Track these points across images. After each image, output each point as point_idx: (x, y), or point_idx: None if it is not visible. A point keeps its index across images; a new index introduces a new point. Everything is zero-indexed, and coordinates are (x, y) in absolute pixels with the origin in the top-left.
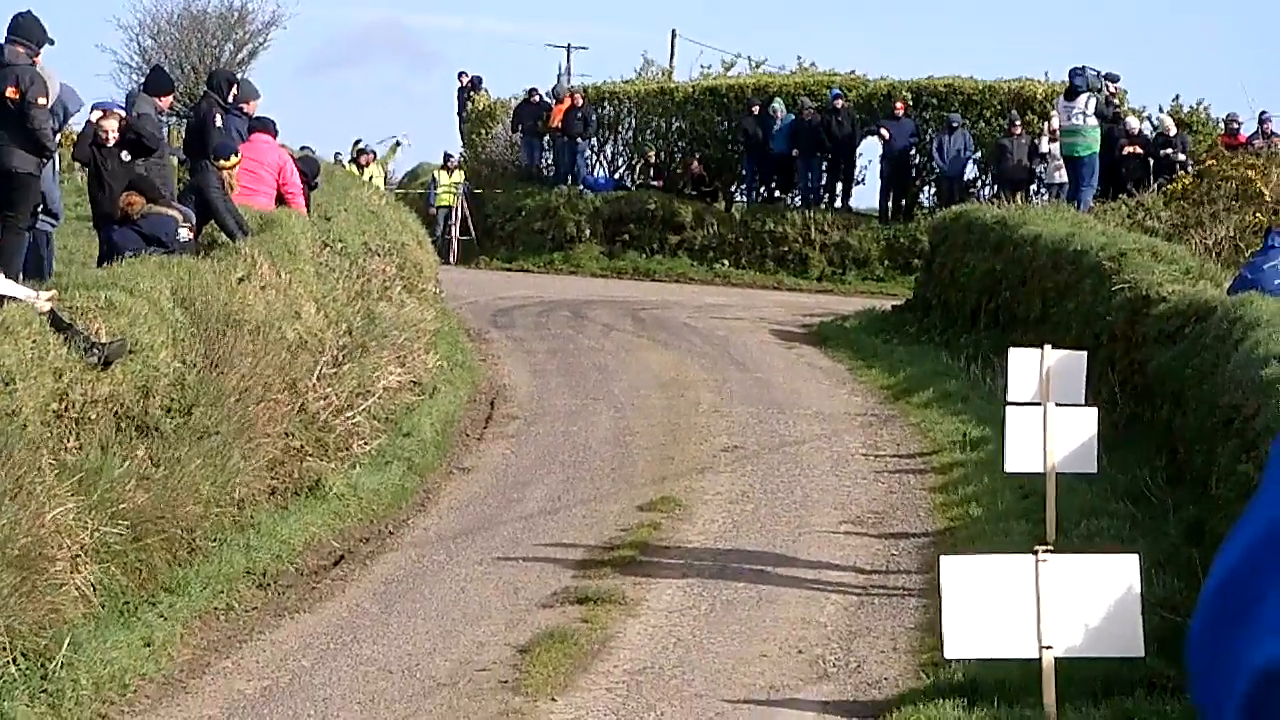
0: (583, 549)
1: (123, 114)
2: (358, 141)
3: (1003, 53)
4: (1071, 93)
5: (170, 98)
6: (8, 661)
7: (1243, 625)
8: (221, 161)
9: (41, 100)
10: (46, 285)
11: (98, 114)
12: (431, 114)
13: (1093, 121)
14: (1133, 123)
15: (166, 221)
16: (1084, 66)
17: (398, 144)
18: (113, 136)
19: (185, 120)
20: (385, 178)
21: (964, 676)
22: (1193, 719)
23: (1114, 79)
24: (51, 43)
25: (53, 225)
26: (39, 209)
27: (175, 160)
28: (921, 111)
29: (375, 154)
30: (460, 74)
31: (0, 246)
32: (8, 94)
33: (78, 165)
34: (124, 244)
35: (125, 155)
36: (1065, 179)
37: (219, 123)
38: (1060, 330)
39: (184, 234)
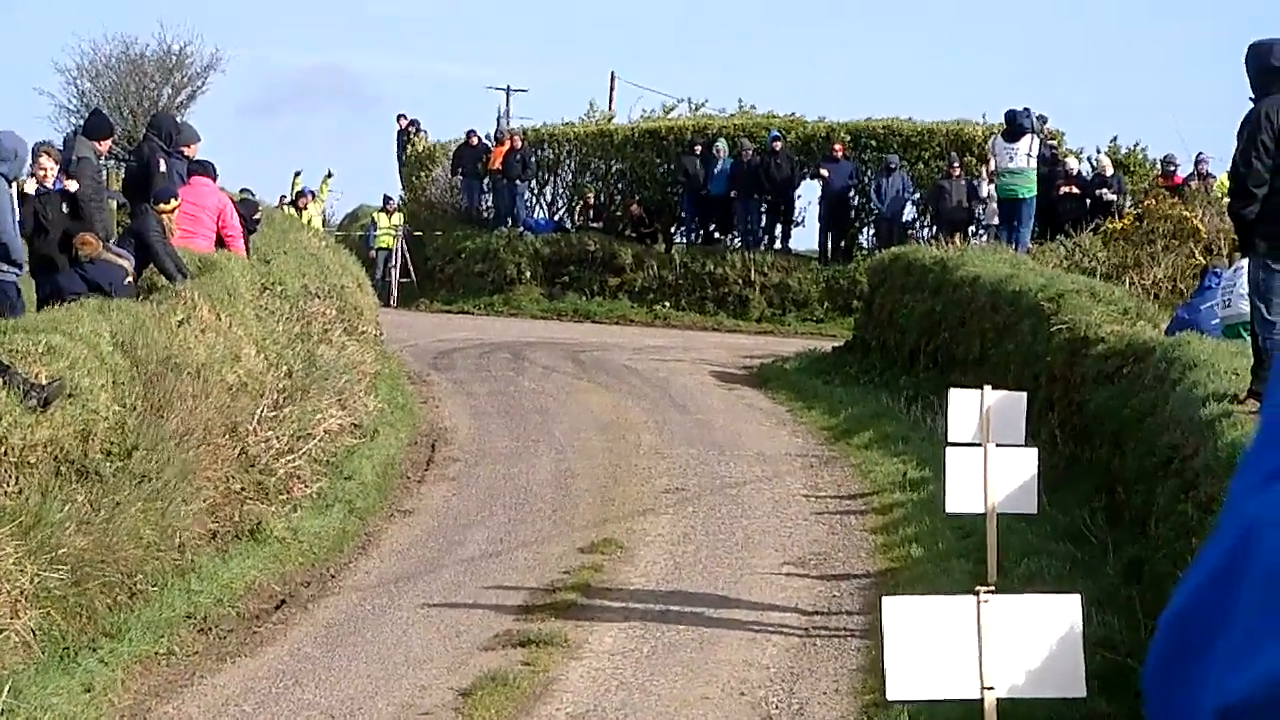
0: (524, 591)
1: (59, 152)
2: (298, 173)
3: (940, 95)
4: (1013, 134)
5: (109, 141)
6: None
7: (1201, 658)
8: (162, 205)
9: None
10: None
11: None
12: (371, 156)
13: (1033, 164)
14: (1072, 163)
15: (114, 271)
16: (1026, 108)
17: (329, 175)
18: (50, 175)
19: (125, 163)
20: (324, 220)
21: (907, 718)
22: None
23: (1043, 120)
24: None
25: (16, 274)
26: None
27: (114, 204)
28: (860, 153)
29: (314, 195)
30: (399, 116)
31: None
32: None
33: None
34: (68, 287)
35: (64, 205)
36: (998, 221)
37: (163, 167)
38: (999, 371)
39: (128, 281)
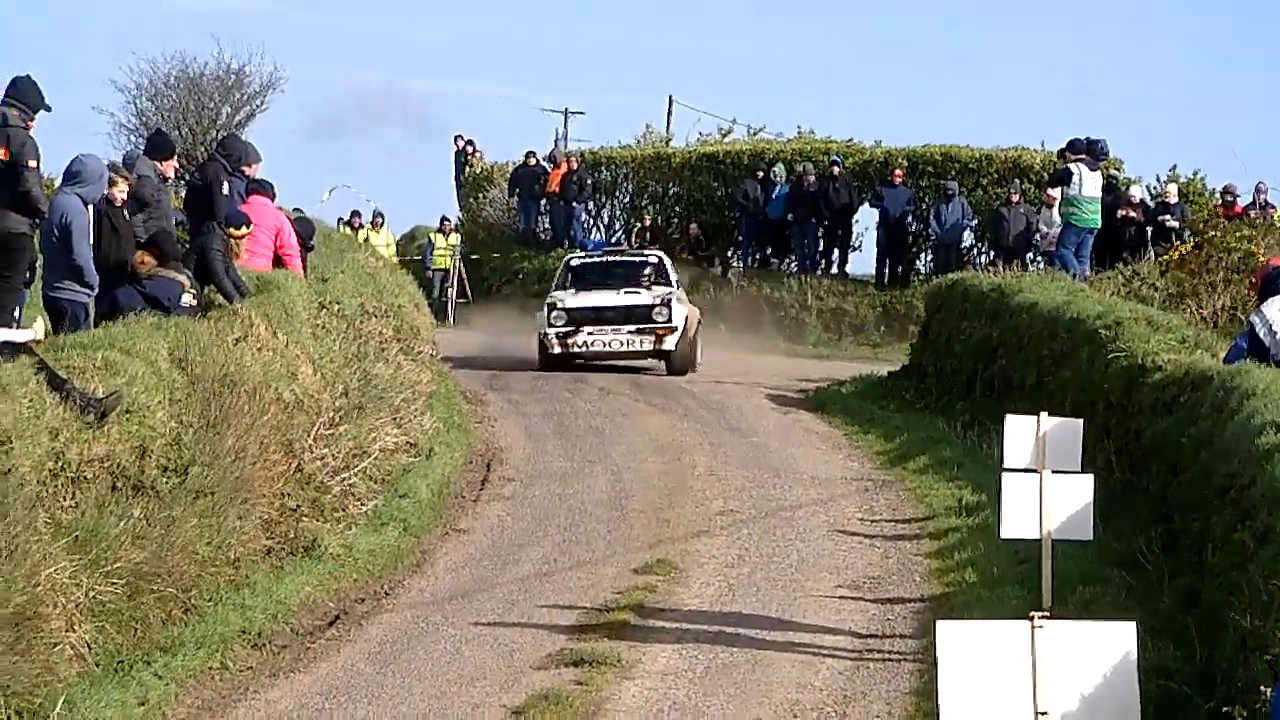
0: (578, 611)
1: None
2: (331, 190)
3: (999, 121)
4: (1091, 163)
5: (173, 162)
6: (4, 716)
7: None
8: (233, 230)
9: (32, 163)
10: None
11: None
12: (429, 178)
13: (1095, 193)
14: (1135, 191)
15: (171, 285)
16: (1085, 140)
17: (331, 190)
18: (120, 197)
19: (187, 183)
20: (397, 248)
21: None
22: None
23: (1097, 143)
24: (48, 109)
25: (88, 295)
26: (33, 266)
27: (175, 222)
28: (918, 179)
29: (376, 220)
30: (456, 137)
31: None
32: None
33: None
34: (128, 303)
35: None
36: (1060, 246)
37: (226, 189)
38: (1056, 398)
39: (187, 299)
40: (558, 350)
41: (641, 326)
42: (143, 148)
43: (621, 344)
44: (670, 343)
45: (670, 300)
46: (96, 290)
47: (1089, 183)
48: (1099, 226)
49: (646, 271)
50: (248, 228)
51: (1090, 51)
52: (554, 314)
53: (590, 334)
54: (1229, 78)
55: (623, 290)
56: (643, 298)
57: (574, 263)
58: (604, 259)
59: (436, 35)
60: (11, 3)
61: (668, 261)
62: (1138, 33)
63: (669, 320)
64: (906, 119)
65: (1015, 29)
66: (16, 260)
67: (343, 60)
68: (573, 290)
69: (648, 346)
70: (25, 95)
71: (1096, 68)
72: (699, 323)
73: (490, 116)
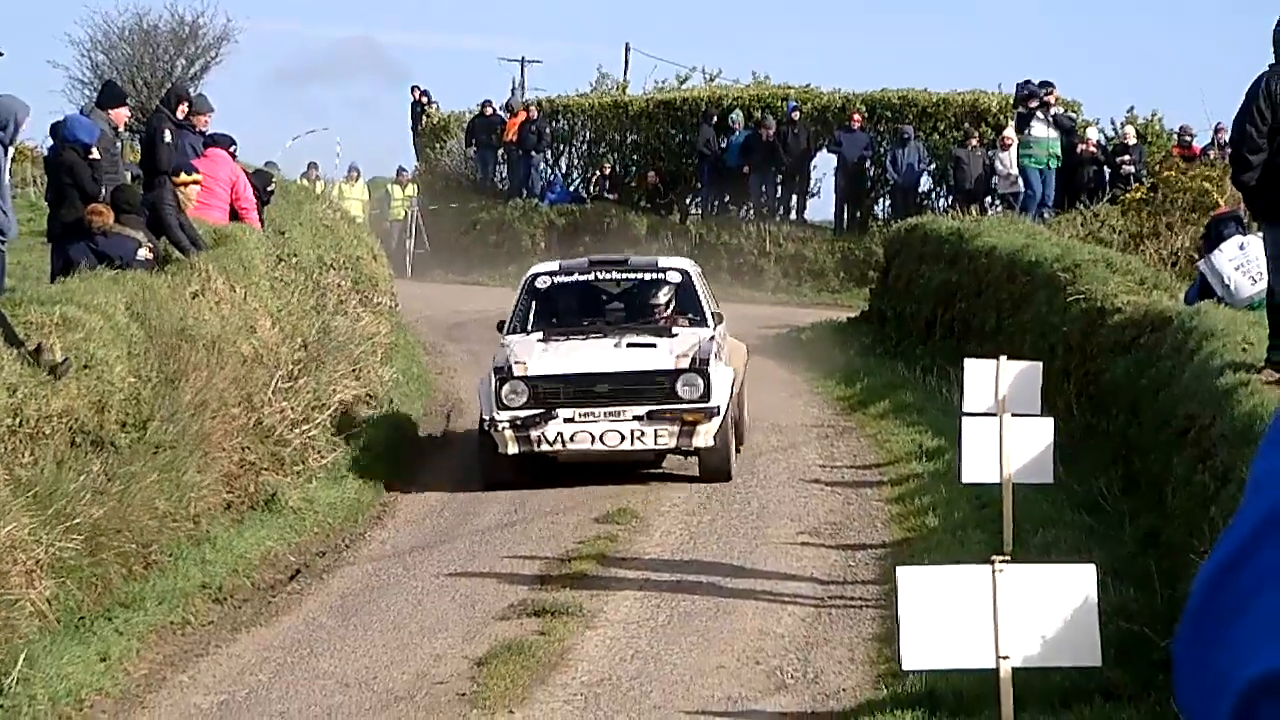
0: (540, 561)
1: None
2: (295, 138)
3: (956, 65)
4: (1027, 103)
5: (124, 110)
6: None
7: (1235, 624)
8: (181, 177)
9: None
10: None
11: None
12: (393, 129)
13: (1052, 133)
14: (1092, 134)
15: (125, 242)
16: (1033, 83)
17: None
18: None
19: (138, 136)
20: (370, 213)
21: (922, 687)
22: None
23: (1050, 86)
24: (0, 54)
25: (2, 241)
26: None
27: (130, 176)
28: (876, 124)
29: (358, 172)
30: (413, 88)
31: None
32: None
33: (36, 180)
34: (77, 258)
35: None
36: (1021, 189)
37: (168, 138)
38: (1015, 341)
39: (143, 254)
40: (514, 450)
41: (657, 408)
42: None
43: (622, 438)
44: (705, 435)
45: (709, 360)
46: (14, 236)
47: (1038, 125)
48: (1058, 165)
49: (663, 298)
50: (195, 173)
51: None
52: (508, 388)
53: (570, 421)
54: (1188, 16)
55: (625, 340)
56: (659, 355)
57: (541, 283)
58: (592, 276)
59: None
60: None
61: (697, 276)
62: None
63: (705, 396)
64: (864, 63)
65: None
66: None
67: (314, 13)
68: (538, 336)
69: (668, 442)
70: None
71: (1056, 7)
72: (744, 372)
73: (453, 68)
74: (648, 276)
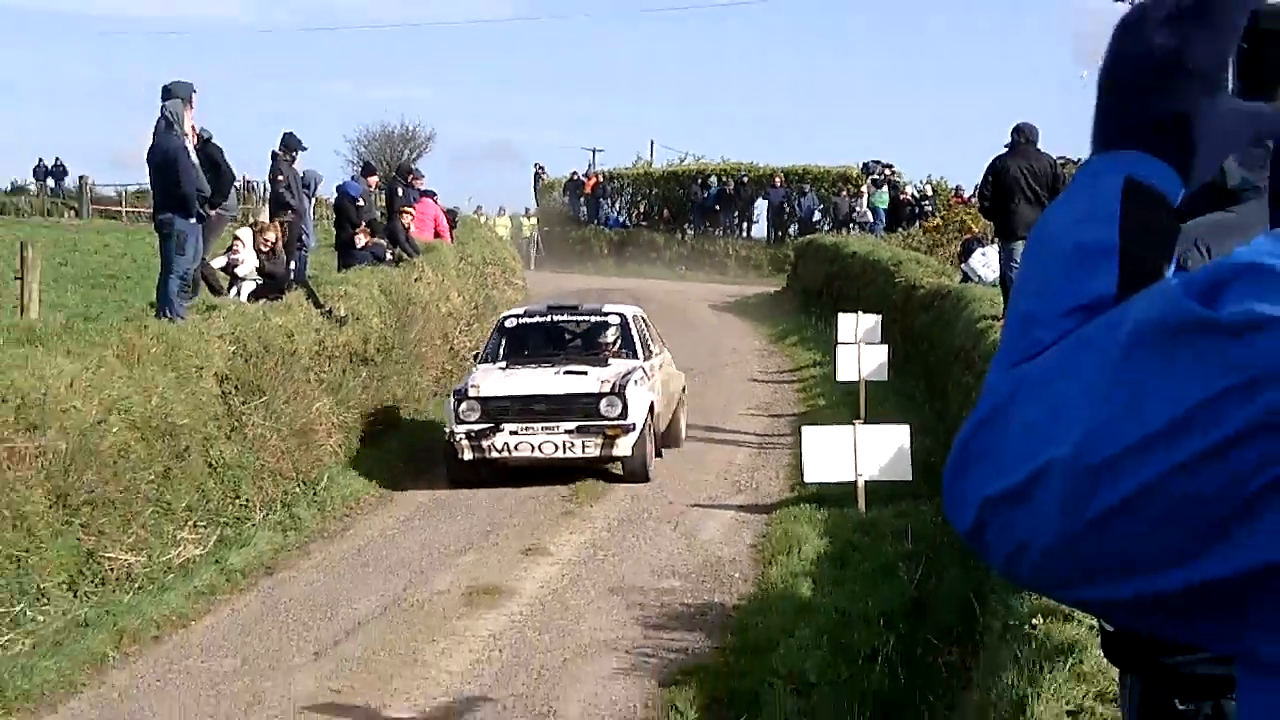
0: None
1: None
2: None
3: (836, 145)
4: (869, 174)
5: (375, 177)
6: (295, 486)
7: (976, 467)
8: (405, 210)
9: (290, 185)
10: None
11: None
12: (518, 188)
13: (881, 190)
14: (910, 190)
15: (382, 249)
16: (874, 161)
17: (502, 211)
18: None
19: (384, 191)
20: (511, 234)
21: (815, 491)
22: (936, 515)
23: (889, 166)
24: (305, 149)
25: (307, 250)
26: (304, 238)
27: (378, 214)
28: (789, 182)
29: (504, 210)
30: (535, 164)
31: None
32: (277, 181)
33: (324, 217)
34: (360, 259)
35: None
36: (870, 220)
37: (400, 193)
38: (867, 304)
39: (388, 256)
40: (468, 456)
41: (585, 424)
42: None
43: (556, 448)
44: (624, 446)
45: (627, 385)
46: (311, 249)
47: (874, 186)
48: (879, 207)
49: (610, 336)
50: (411, 213)
51: (898, 99)
52: (464, 405)
53: (514, 434)
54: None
55: (563, 369)
56: (587, 381)
57: (509, 323)
58: (550, 319)
59: (531, 104)
60: (290, 95)
61: (640, 319)
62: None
63: (622, 415)
64: (783, 145)
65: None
66: (292, 237)
67: (477, 121)
68: (501, 365)
69: (594, 451)
70: (289, 142)
71: (897, 108)
72: (681, 395)
73: (553, 152)
74: (594, 319)
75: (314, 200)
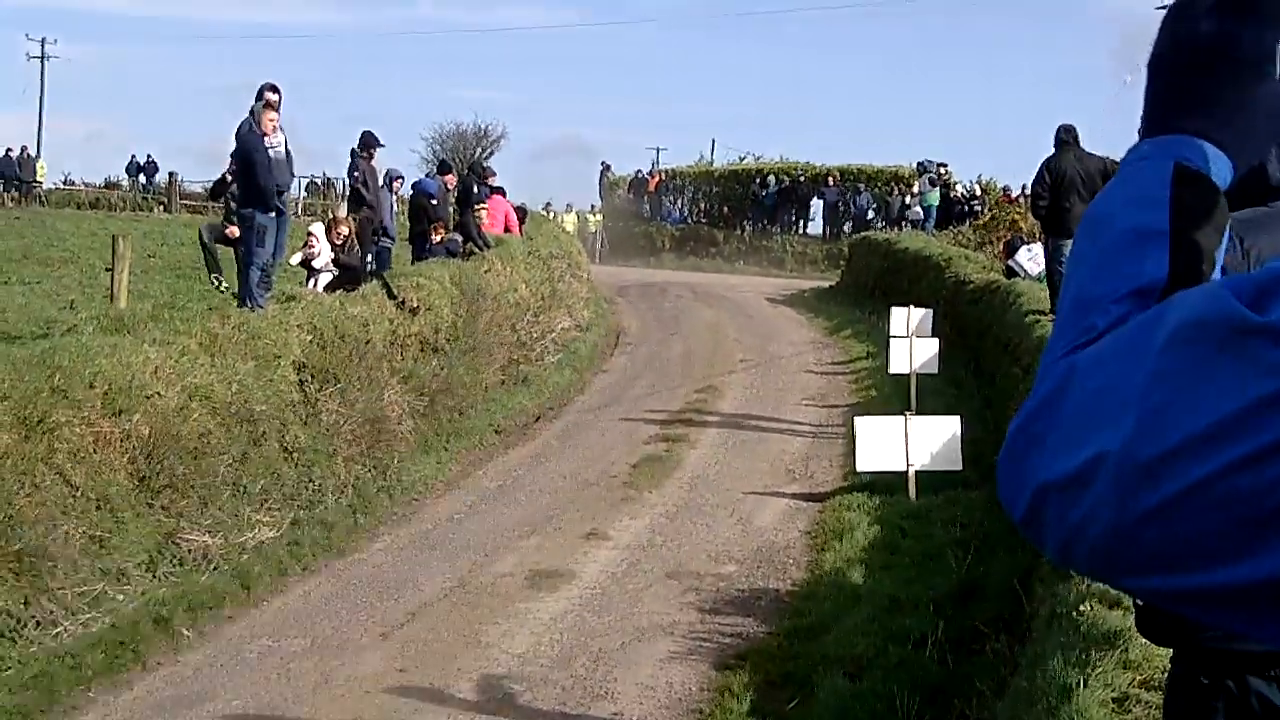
0: (666, 413)
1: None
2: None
3: (888, 145)
4: (921, 173)
5: (452, 176)
6: (368, 470)
7: (1031, 453)
8: (479, 208)
9: (367, 182)
10: (379, 281)
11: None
12: (585, 186)
13: (933, 190)
14: (961, 189)
15: (456, 245)
16: (926, 160)
17: (569, 208)
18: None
19: (458, 188)
20: (578, 229)
21: (867, 479)
22: (985, 503)
23: (944, 165)
24: (382, 145)
25: (390, 244)
26: (381, 232)
27: (452, 210)
28: (844, 182)
29: (571, 206)
30: (601, 162)
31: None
32: (354, 177)
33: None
34: (436, 254)
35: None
36: (920, 218)
37: (475, 189)
38: (919, 298)
39: (460, 250)
40: None
41: None
42: (436, 170)
43: None
44: None
45: None
46: (394, 241)
47: (921, 184)
48: (930, 206)
49: None
50: (484, 206)
51: (949, 98)
52: None
53: None
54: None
55: None
56: None
57: None
58: None
59: (602, 107)
60: (373, 97)
61: None
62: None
63: None
64: (840, 146)
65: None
66: (365, 230)
67: (548, 120)
68: None
69: None
70: (368, 140)
71: (947, 108)
72: None
73: (620, 150)
74: None
75: (395, 196)
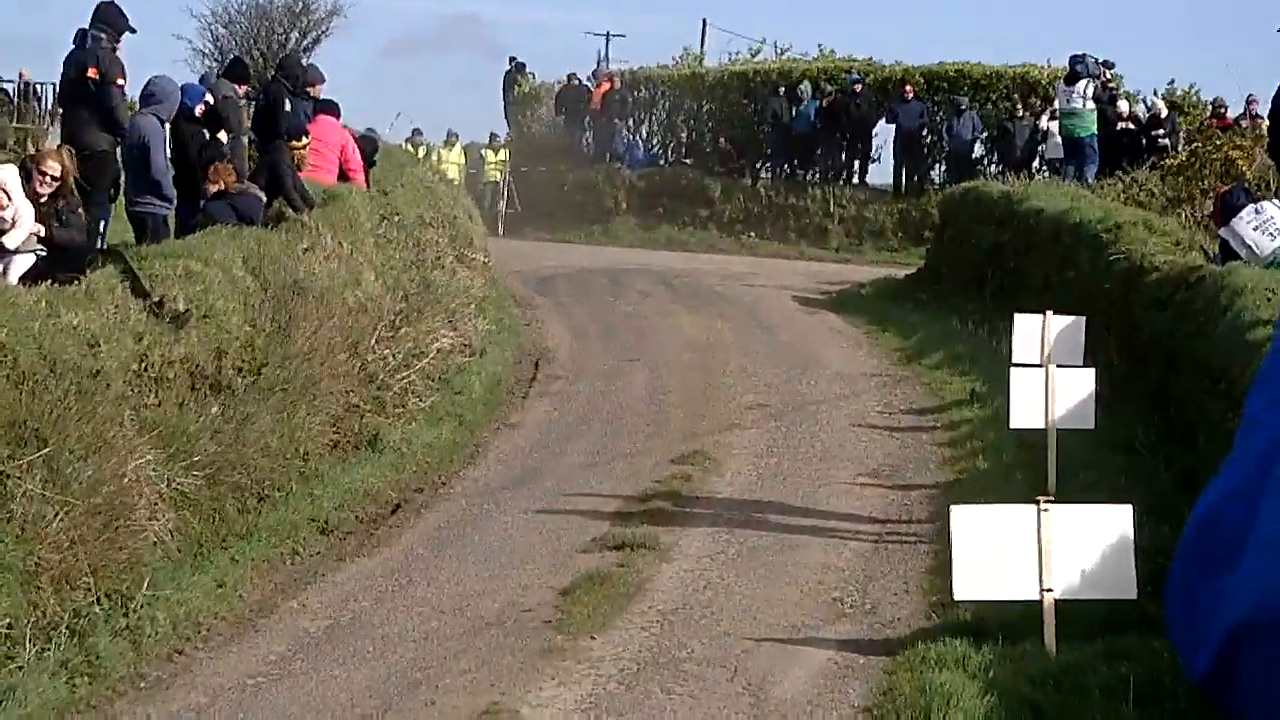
0: (619, 499)
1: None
2: (398, 115)
3: (1009, 39)
4: (1072, 78)
5: (247, 85)
6: (93, 601)
7: (1220, 572)
8: (294, 142)
9: (120, 81)
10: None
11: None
12: (486, 98)
13: (1090, 105)
14: (1123, 106)
15: (255, 201)
16: (1084, 54)
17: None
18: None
19: (254, 103)
20: (465, 175)
21: (970, 617)
22: (1166, 655)
23: (1110, 65)
24: (132, 30)
25: (167, 207)
26: (117, 182)
27: (247, 140)
28: (933, 95)
29: (456, 137)
30: (510, 58)
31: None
32: (89, 74)
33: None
34: (219, 216)
35: (207, 134)
36: (1062, 155)
37: (288, 106)
38: (1061, 297)
39: (261, 210)
40: None
41: None
42: (219, 71)
43: None
44: None
45: None
46: (174, 203)
47: (1063, 97)
48: (1079, 138)
49: None
50: (307, 139)
51: None
52: None
53: None
54: None
55: None
56: None
57: None
58: None
59: None
60: None
61: None
62: None
63: None
64: (924, 38)
65: None
66: (102, 176)
67: None
68: None
69: None
70: (111, 19)
71: None
72: None
73: (543, 41)
74: None
75: (167, 127)
